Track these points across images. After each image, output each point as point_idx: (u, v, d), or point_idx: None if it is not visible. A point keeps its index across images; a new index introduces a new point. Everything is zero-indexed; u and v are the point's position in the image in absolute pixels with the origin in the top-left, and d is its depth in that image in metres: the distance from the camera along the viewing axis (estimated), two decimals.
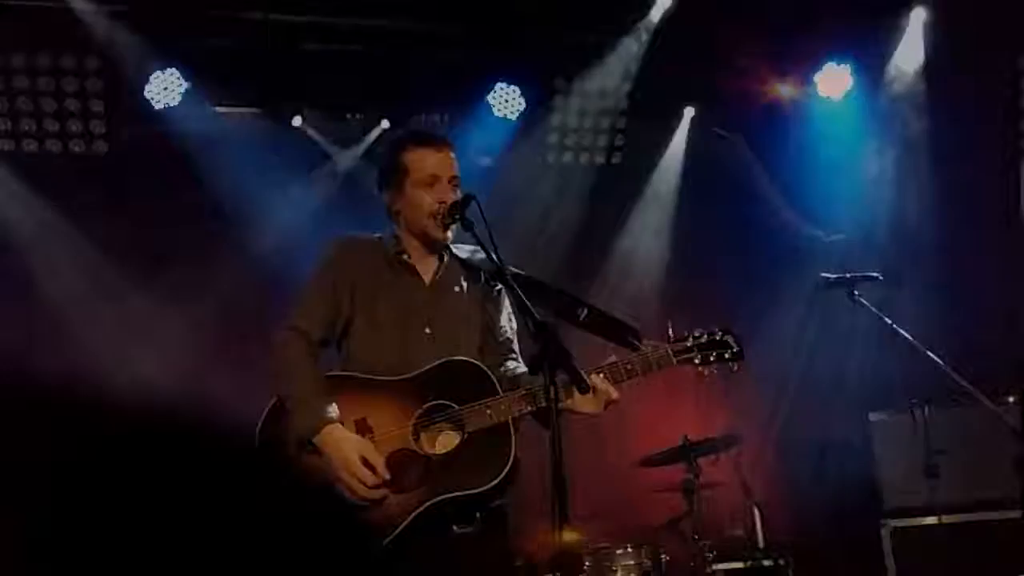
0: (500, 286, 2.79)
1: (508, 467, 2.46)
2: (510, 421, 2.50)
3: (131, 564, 3.70)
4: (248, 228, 5.73)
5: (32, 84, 5.45)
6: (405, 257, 2.74)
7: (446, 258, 2.79)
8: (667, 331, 5.46)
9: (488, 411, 2.50)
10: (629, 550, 4.66)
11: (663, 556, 4.76)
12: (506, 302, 2.82)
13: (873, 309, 4.14)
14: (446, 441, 2.52)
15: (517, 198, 6.09)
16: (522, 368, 2.72)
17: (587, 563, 4.60)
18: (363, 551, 2.44)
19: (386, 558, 2.44)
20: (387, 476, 2.46)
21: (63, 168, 5.63)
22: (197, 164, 5.56)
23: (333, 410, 2.52)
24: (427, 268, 2.76)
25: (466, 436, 2.48)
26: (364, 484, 2.44)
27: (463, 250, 2.81)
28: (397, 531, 2.42)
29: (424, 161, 2.73)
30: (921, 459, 4.71)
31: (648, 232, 6.67)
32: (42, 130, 5.55)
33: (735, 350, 2.69)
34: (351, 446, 2.48)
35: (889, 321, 4.13)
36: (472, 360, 2.61)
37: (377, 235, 2.80)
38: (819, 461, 5.82)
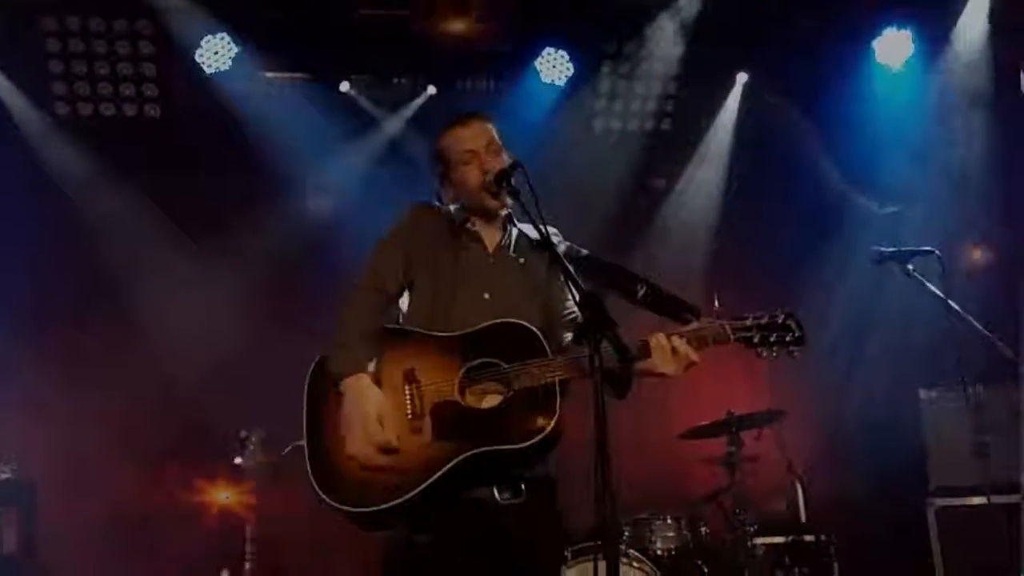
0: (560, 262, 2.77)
1: (552, 425, 2.42)
2: (557, 383, 2.47)
3: None
4: (297, 191, 5.79)
5: (86, 48, 5.53)
6: (470, 226, 2.76)
7: (512, 231, 2.79)
8: (713, 304, 5.41)
9: (536, 371, 2.47)
10: (669, 521, 4.68)
11: (703, 528, 4.76)
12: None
13: (927, 284, 4.04)
14: (491, 399, 2.52)
15: (564, 165, 6.04)
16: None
17: (626, 533, 4.62)
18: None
19: (426, 511, 2.44)
20: (395, 443, 2.45)
21: (117, 131, 5.73)
22: (247, 128, 5.62)
23: (367, 359, 2.53)
24: (492, 238, 2.77)
25: (511, 394, 2.47)
26: (371, 442, 2.43)
27: (529, 228, 2.77)
28: (432, 479, 2.41)
29: (456, 140, 2.76)
30: (971, 438, 4.61)
31: (696, 200, 6.58)
32: (96, 94, 5.64)
33: (797, 335, 2.58)
34: (372, 401, 2.48)
35: (943, 296, 4.03)
36: (524, 323, 2.56)
37: (448, 207, 2.82)
38: (866, 437, 5.74)
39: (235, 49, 5.54)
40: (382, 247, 2.74)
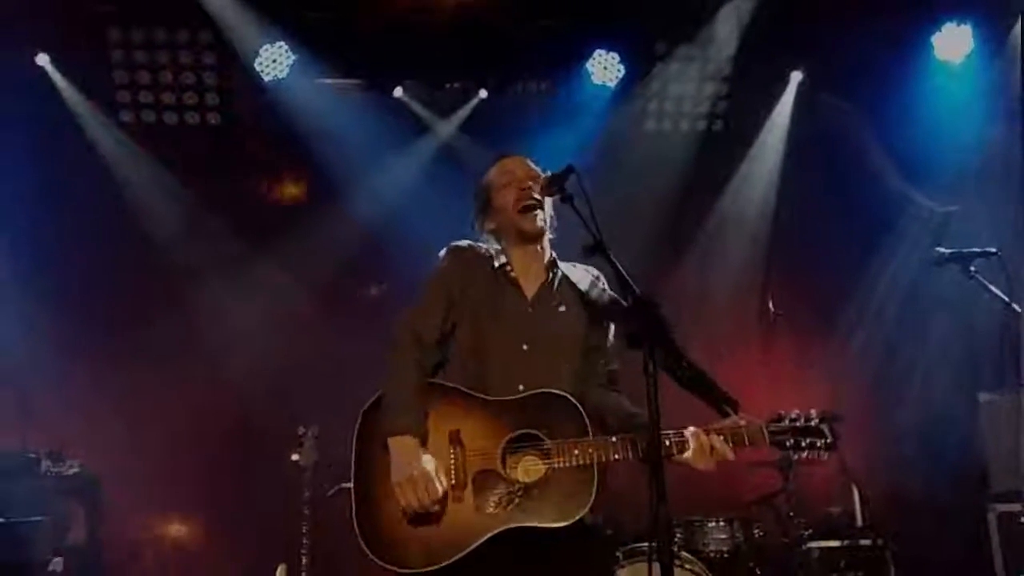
0: (607, 320, 2.79)
1: (585, 509, 2.50)
2: (595, 467, 2.52)
3: None
4: (352, 195, 5.90)
5: (150, 58, 5.70)
6: (509, 269, 2.79)
7: (554, 276, 2.82)
8: (767, 306, 5.36)
9: (576, 451, 2.52)
10: (721, 523, 4.65)
11: (756, 531, 4.73)
12: (611, 331, 2.82)
13: (990, 286, 3.98)
14: (530, 470, 2.57)
15: (616, 166, 6.05)
16: (630, 407, 2.71)
17: (678, 535, 4.62)
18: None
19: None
20: (437, 508, 2.51)
21: (179, 138, 5.90)
22: (304, 134, 5.74)
23: (419, 421, 2.58)
24: (531, 283, 2.80)
25: (551, 471, 2.53)
26: (419, 502, 2.49)
27: (576, 271, 2.83)
28: (468, 550, 2.48)
29: (499, 169, 2.86)
30: None
31: (749, 200, 6.52)
32: (159, 102, 5.81)
33: (828, 441, 2.62)
34: (421, 464, 2.52)
35: (1006, 298, 3.95)
36: (570, 397, 2.60)
37: (487, 247, 2.86)
38: (924, 441, 5.63)
39: (292, 57, 5.67)
40: (426, 296, 2.77)
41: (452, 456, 2.57)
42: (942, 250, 4.06)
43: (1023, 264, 4.36)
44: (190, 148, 5.91)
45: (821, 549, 4.84)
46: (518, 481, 2.55)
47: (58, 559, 4.46)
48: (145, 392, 5.58)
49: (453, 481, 2.55)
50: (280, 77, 5.71)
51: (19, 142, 5.45)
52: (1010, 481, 4.79)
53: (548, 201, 2.78)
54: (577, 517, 2.49)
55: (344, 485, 2.67)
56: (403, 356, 2.68)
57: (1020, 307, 3.97)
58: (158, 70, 5.74)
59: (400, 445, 2.55)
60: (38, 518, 4.45)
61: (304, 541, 4.40)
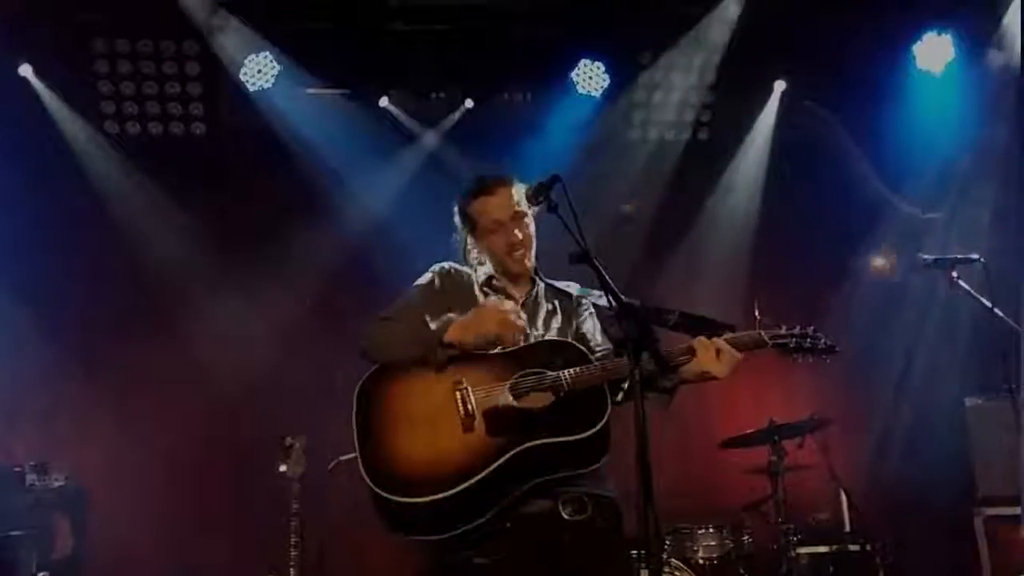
0: (588, 306, 2.87)
1: (602, 421, 2.50)
2: (605, 385, 2.57)
3: None
4: (338, 205, 5.89)
5: (135, 68, 5.69)
6: (495, 281, 2.85)
7: (538, 283, 2.90)
8: (753, 311, 5.38)
9: (586, 374, 2.57)
10: (711, 530, 4.67)
11: (746, 537, 4.75)
12: (594, 318, 2.88)
13: (972, 292, 4.02)
14: (541, 399, 2.59)
15: (600, 176, 6.07)
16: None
17: (668, 542, 4.62)
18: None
19: (491, 529, 2.47)
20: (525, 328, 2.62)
21: (164, 149, 5.88)
22: (289, 144, 5.73)
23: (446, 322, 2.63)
24: (519, 291, 2.87)
25: (562, 395, 2.56)
26: (512, 324, 2.57)
27: (557, 282, 2.90)
28: (490, 468, 2.45)
29: (485, 209, 2.83)
30: (1018, 447, 4.53)
31: (733, 208, 6.56)
32: (144, 113, 5.79)
33: (828, 343, 2.74)
34: (483, 304, 2.65)
35: (988, 303, 3.99)
36: (569, 340, 2.69)
37: (469, 271, 2.89)
38: (911, 447, 5.67)
39: (277, 67, 5.66)
40: (408, 296, 2.79)
41: (459, 394, 2.56)
42: (925, 256, 4.11)
43: (1005, 270, 4.42)
44: (175, 158, 5.89)
45: (810, 555, 4.87)
46: (530, 407, 2.56)
47: (43, 574, 4.42)
48: (132, 404, 5.55)
49: (463, 414, 2.54)
50: (265, 87, 5.70)
51: (1, 154, 5.42)
52: (997, 485, 4.84)
53: (531, 215, 2.81)
54: (596, 428, 2.50)
55: (343, 458, 2.65)
56: (390, 323, 2.71)
57: (1002, 312, 4.00)
58: (143, 80, 5.71)
59: (459, 325, 2.61)
60: (23, 533, 4.40)
61: (292, 553, 4.37)
